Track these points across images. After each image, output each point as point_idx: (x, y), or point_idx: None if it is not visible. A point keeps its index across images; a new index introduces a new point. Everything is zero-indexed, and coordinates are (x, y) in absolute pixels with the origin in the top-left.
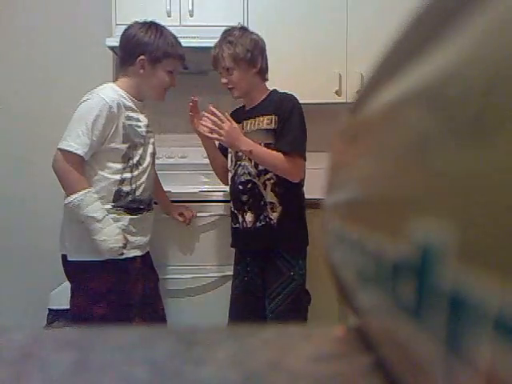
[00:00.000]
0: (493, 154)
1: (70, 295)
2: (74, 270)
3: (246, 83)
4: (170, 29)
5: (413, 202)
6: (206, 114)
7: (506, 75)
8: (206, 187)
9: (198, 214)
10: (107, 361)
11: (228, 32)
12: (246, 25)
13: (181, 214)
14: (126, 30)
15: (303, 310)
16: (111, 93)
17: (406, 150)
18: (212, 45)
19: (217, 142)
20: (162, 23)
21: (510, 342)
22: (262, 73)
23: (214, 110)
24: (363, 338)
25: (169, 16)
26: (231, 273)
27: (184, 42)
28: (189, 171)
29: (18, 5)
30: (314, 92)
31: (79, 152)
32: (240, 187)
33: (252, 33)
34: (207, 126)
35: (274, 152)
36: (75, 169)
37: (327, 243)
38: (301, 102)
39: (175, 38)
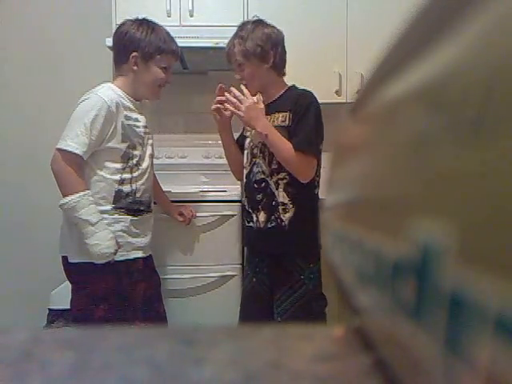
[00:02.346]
0: (493, 154)
1: (70, 296)
2: (75, 271)
3: (259, 79)
4: (170, 29)
5: (413, 202)
6: (232, 89)
7: (507, 75)
8: (205, 187)
9: (198, 214)
10: (107, 361)
11: (241, 26)
12: None
13: (181, 214)
14: (118, 28)
15: (315, 315)
16: (110, 92)
17: (406, 149)
18: (212, 45)
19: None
20: (162, 23)
21: (510, 342)
22: (277, 67)
23: (243, 87)
24: (363, 338)
25: (169, 16)
26: (231, 273)
27: (184, 42)
28: (189, 171)
29: (18, 5)
30: (314, 92)
31: (78, 152)
32: (255, 186)
33: (267, 26)
34: (230, 100)
35: (289, 144)
36: (73, 169)
37: (327, 243)
38: None
39: (168, 34)
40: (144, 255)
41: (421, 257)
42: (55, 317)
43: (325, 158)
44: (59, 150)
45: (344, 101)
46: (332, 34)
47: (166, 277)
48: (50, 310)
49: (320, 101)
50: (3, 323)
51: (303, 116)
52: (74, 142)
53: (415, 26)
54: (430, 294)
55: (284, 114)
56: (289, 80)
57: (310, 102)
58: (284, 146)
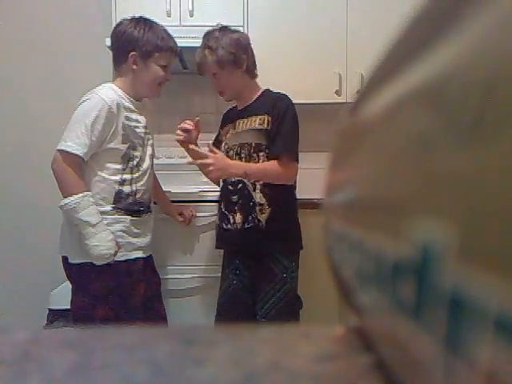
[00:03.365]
0: (493, 154)
1: (70, 296)
2: (75, 271)
3: (235, 85)
4: (170, 29)
5: (413, 202)
6: (188, 160)
7: (507, 75)
8: (205, 187)
9: (198, 214)
10: (107, 361)
11: (208, 36)
12: (245, 25)
13: (181, 214)
14: (115, 28)
15: (296, 314)
16: (110, 93)
17: (405, 150)
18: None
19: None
20: (162, 23)
21: (510, 342)
22: (250, 71)
23: (193, 147)
24: (363, 338)
25: (169, 16)
26: None
27: (184, 42)
28: (189, 171)
29: (18, 5)
30: (314, 92)
31: (78, 152)
32: (230, 187)
33: (233, 31)
34: (182, 137)
35: (268, 164)
36: (74, 170)
37: (327, 243)
38: (301, 101)
39: (166, 31)
40: (144, 255)
41: (421, 257)
42: (55, 317)
43: (319, 158)
44: (60, 150)
45: (344, 101)
46: (332, 34)
47: (166, 277)
48: (49, 310)
49: (320, 101)
50: (3, 323)
51: (282, 120)
52: (75, 142)
53: (415, 25)
54: (430, 294)
55: (262, 117)
56: (289, 79)
57: (287, 104)
58: (264, 168)
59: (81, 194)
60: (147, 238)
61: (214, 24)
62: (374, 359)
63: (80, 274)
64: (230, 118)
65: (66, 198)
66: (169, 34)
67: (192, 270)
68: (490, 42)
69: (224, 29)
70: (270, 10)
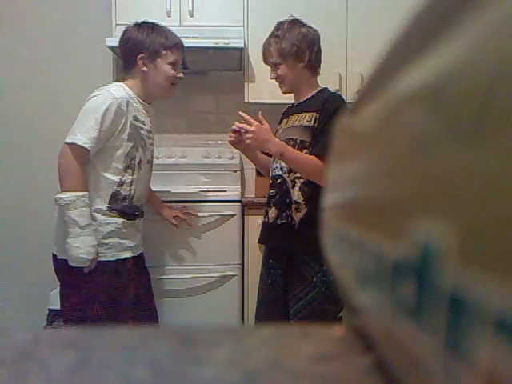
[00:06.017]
0: (493, 154)
1: (61, 297)
2: (65, 270)
3: (293, 77)
4: (170, 29)
5: (413, 202)
6: (236, 123)
7: (507, 75)
8: (205, 187)
9: (198, 214)
10: (107, 361)
11: (278, 25)
12: (245, 25)
13: (175, 217)
14: (121, 36)
15: (329, 318)
16: (121, 90)
17: (406, 150)
18: (212, 45)
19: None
20: (162, 23)
21: (510, 343)
22: (312, 67)
23: (242, 113)
24: (363, 338)
25: (169, 16)
26: (231, 273)
27: (184, 42)
28: (189, 171)
29: (18, 5)
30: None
31: (87, 146)
32: (271, 181)
33: (303, 25)
34: (233, 138)
35: (308, 156)
36: (80, 165)
37: (327, 243)
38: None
39: (169, 30)
40: (134, 255)
41: (421, 257)
42: (55, 317)
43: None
44: (68, 144)
45: None
46: (332, 34)
47: (165, 277)
48: (49, 310)
49: None
50: (3, 323)
51: (329, 120)
52: (84, 136)
53: (415, 25)
54: (430, 295)
55: (310, 114)
56: None
57: (338, 105)
58: (303, 159)
59: (78, 193)
60: (137, 238)
61: (214, 24)
62: (374, 359)
63: (69, 272)
64: (286, 114)
65: (63, 192)
66: (172, 32)
67: (192, 269)
68: (491, 43)
69: (295, 21)
70: (269, 10)
